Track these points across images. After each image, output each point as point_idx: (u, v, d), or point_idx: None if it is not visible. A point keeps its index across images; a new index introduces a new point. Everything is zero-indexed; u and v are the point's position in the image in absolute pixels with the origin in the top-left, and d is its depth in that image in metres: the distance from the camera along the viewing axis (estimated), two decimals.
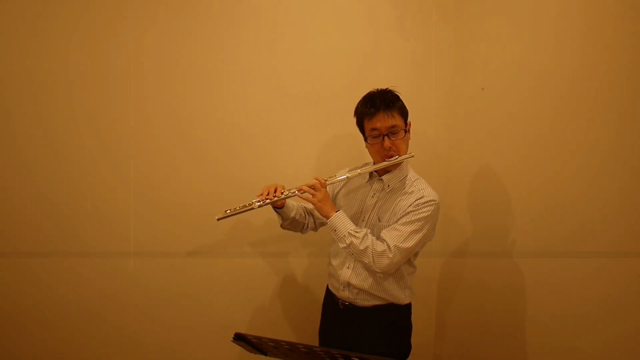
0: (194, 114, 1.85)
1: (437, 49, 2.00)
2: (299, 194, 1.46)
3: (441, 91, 2.04)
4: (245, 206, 1.44)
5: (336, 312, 1.59)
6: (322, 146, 1.97)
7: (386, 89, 1.50)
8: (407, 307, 1.58)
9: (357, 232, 1.42)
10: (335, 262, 1.59)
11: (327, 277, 1.67)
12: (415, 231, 1.40)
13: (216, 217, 1.46)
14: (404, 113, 1.47)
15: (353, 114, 1.52)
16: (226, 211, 1.45)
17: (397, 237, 1.39)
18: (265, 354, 1.27)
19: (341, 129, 1.90)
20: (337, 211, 1.45)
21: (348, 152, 1.91)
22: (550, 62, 1.53)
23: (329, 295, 1.66)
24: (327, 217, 1.45)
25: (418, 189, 1.46)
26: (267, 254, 1.99)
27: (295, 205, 1.66)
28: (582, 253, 1.44)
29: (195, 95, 1.84)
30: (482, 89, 1.76)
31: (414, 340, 1.61)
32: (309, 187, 1.45)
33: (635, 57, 1.25)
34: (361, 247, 1.39)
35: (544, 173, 1.57)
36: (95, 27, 1.72)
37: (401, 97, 1.51)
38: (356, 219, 1.53)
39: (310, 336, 1.72)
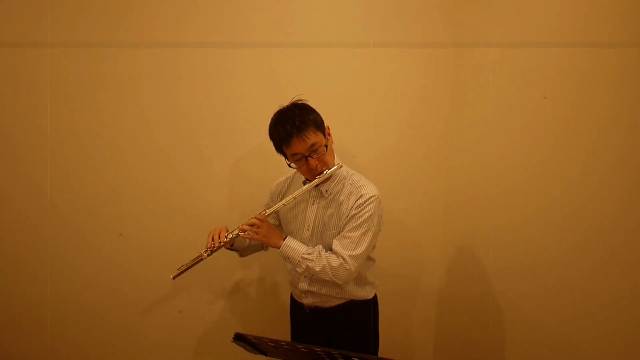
0: (192, 115, 1.85)
1: (437, 51, 1.99)
2: (242, 234, 1.45)
3: (443, 94, 2.03)
4: (195, 259, 1.45)
5: (304, 316, 1.61)
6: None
7: (292, 104, 1.44)
8: (372, 300, 1.60)
9: (309, 254, 1.42)
10: (292, 273, 1.58)
11: (289, 285, 1.66)
12: (364, 233, 1.40)
13: (171, 276, 1.45)
14: (318, 125, 1.40)
15: (269, 137, 1.46)
16: (179, 268, 1.46)
17: (348, 245, 1.40)
18: (265, 354, 1.28)
19: (340, 130, 1.90)
20: (284, 239, 1.46)
21: (349, 153, 1.91)
22: (555, 65, 1.53)
23: (294, 302, 1.67)
24: (277, 248, 1.45)
25: (355, 187, 1.44)
26: (267, 253, 1.99)
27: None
28: (584, 255, 1.44)
29: (193, 95, 1.84)
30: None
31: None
32: (250, 226, 1.43)
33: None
34: (318, 268, 1.40)
35: (547, 175, 1.57)
36: (94, 28, 1.73)
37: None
38: (302, 229, 1.52)
39: None
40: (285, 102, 1.45)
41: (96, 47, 1.73)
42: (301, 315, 1.62)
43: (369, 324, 1.60)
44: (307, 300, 1.56)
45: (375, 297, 1.61)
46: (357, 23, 1.91)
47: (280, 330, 1.91)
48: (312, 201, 1.51)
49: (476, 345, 1.96)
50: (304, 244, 1.48)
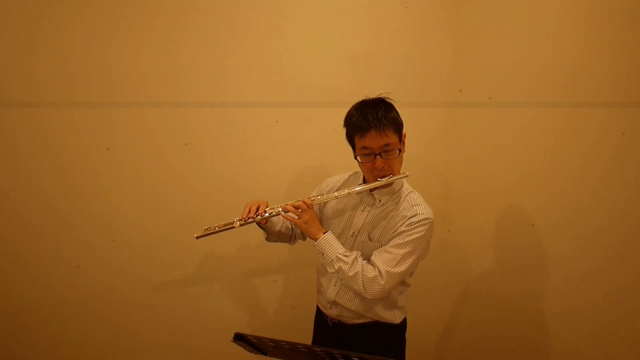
0: (193, 115, 1.85)
1: (436, 49, 2.00)
2: (283, 214, 1.37)
3: (443, 91, 2.04)
4: (226, 225, 1.37)
5: (326, 329, 1.54)
6: (323, 146, 1.96)
7: (379, 98, 1.36)
8: (400, 326, 1.50)
9: (346, 256, 1.33)
10: (322, 279, 1.52)
11: (316, 293, 1.61)
12: (408, 254, 1.31)
13: (195, 235, 1.39)
14: (398, 127, 1.32)
15: (343, 124, 1.40)
16: (206, 229, 1.39)
17: (389, 260, 1.30)
18: (265, 354, 1.27)
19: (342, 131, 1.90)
20: (324, 232, 1.36)
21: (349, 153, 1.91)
22: (551, 63, 1.53)
23: (319, 313, 1.61)
24: (314, 239, 1.36)
25: (411, 204, 1.36)
26: (269, 253, 1.99)
27: (280, 217, 1.51)
28: (584, 254, 1.44)
29: (194, 96, 1.84)
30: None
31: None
32: (294, 208, 1.35)
33: (637, 56, 1.25)
34: (350, 273, 1.30)
35: (547, 176, 1.57)
36: (95, 27, 1.72)
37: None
38: (345, 234, 1.44)
39: (309, 336, 1.72)
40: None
41: (98, 47, 1.74)
42: (324, 327, 1.56)
43: (391, 349, 1.49)
44: (332, 312, 1.49)
45: (403, 322, 1.51)
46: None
47: (282, 331, 1.91)
48: (362, 207, 1.42)
49: (476, 344, 1.96)
50: None
